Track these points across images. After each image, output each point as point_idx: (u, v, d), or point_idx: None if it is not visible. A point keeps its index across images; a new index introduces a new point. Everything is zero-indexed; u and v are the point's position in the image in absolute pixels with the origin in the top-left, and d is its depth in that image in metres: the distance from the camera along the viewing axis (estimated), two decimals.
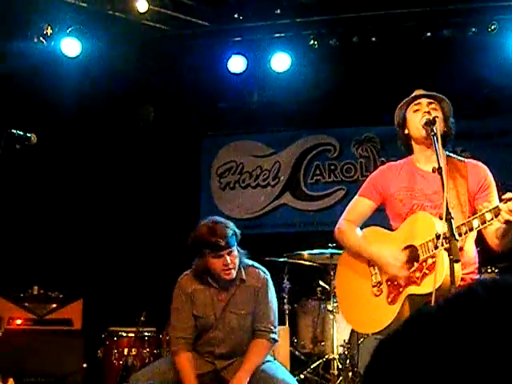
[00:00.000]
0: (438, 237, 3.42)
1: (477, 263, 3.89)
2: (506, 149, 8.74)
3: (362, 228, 4.16)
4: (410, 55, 8.19)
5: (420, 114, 3.90)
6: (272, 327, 4.70)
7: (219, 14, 8.00)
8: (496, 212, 3.34)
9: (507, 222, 3.31)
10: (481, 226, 3.44)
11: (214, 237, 4.47)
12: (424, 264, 3.60)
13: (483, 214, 3.41)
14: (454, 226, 3.30)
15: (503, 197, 3.33)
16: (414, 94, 4.04)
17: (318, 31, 7.99)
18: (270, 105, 9.31)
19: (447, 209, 3.31)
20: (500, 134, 8.92)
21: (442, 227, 3.38)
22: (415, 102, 3.99)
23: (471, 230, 3.47)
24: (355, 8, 7.77)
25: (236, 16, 7.89)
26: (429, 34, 7.80)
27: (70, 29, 7.60)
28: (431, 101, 3.97)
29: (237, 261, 4.59)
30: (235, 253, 4.58)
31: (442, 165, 3.47)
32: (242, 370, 4.47)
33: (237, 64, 8.16)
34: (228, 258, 4.51)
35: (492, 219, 3.37)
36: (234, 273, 4.58)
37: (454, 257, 3.22)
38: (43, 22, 7.60)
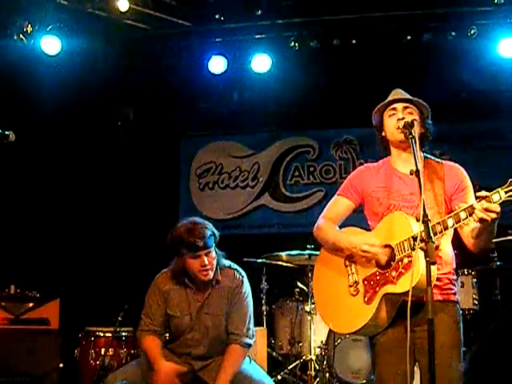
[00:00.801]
0: (414, 238, 3.44)
1: (454, 264, 3.91)
2: (484, 152, 8.82)
3: (340, 228, 4.17)
4: (390, 58, 8.22)
5: (395, 119, 3.92)
6: (245, 331, 4.68)
7: (200, 15, 7.99)
8: (470, 211, 3.39)
9: (481, 220, 3.35)
10: (455, 225, 3.48)
11: (192, 237, 4.49)
12: (400, 263, 3.61)
13: (457, 212, 3.46)
14: (431, 229, 3.33)
15: (477, 194, 3.38)
16: (390, 97, 4.04)
17: (298, 33, 8.00)
18: (249, 106, 9.31)
19: (424, 211, 3.34)
20: (478, 138, 8.99)
21: (418, 228, 3.40)
22: (391, 107, 4.01)
23: (446, 228, 3.51)
24: (336, 10, 7.79)
25: (217, 17, 7.88)
26: (409, 37, 7.84)
27: (50, 27, 7.57)
28: (407, 105, 3.98)
29: (214, 262, 4.60)
30: (213, 254, 4.59)
31: (419, 167, 3.49)
32: (218, 382, 4.47)
33: (217, 65, 8.15)
34: (205, 258, 4.52)
35: (466, 218, 3.42)
36: (211, 274, 4.58)
37: (431, 259, 3.24)
38: (23, 20, 7.55)
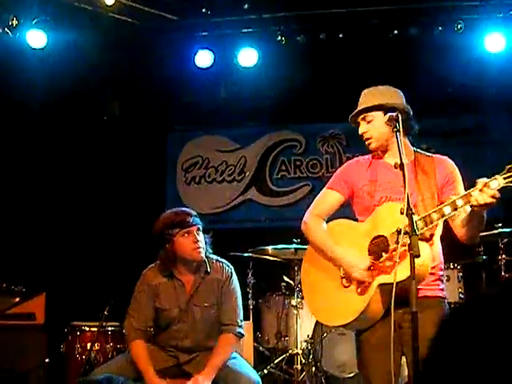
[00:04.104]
0: (399, 232, 3.43)
1: (442, 258, 3.92)
2: (469, 147, 8.84)
3: (328, 221, 4.14)
4: (377, 53, 8.22)
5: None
6: (237, 321, 4.72)
7: (187, 8, 7.97)
8: (467, 198, 3.41)
9: (480, 205, 3.37)
10: (452, 213, 3.49)
11: (180, 216, 4.66)
12: (394, 253, 3.60)
13: (454, 200, 3.47)
14: (414, 222, 3.33)
15: (477, 181, 3.38)
16: (356, 109, 4.06)
17: (285, 27, 8.00)
18: (236, 100, 9.30)
19: (408, 204, 3.34)
20: (463, 133, 9.01)
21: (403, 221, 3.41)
22: (360, 117, 4.03)
23: (443, 216, 3.52)
24: (323, 5, 7.80)
25: (204, 10, 7.86)
26: (396, 31, 7.85)
27: (35, 20, 7.52)
28: (363, 115, 3.99)
29: (204, 243, 4.67)
30: (202, 234, 4.69)
31: (404, 161, 3.50)
32: (209, 366, 4.48)
33: (204, 59, 8.13)
34: (197, 235, 4.62)
35: (463, 205, 3.44)
36: (203, 253, 4.63)
37: (414, 252, 3.24)
38: (8, 13, 7.51)
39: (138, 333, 4.67)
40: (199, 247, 4.61)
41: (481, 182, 3.37)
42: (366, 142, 4.00)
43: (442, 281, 3.89)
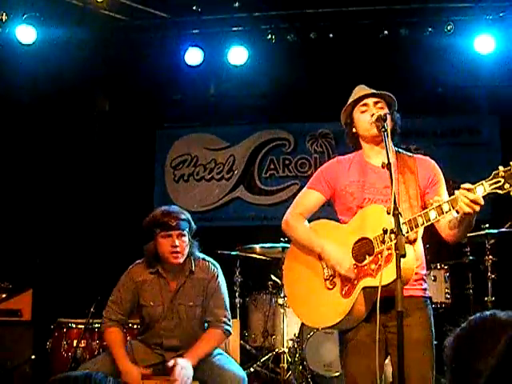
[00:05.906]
0: (385, 231, 3.41)
1: (424, 257, 3.91)
2: (459, 148, 8.86)
3: (309, 222, 4.11)
4: (367, 52, 8.23)
5: (368, 115, 3.88)
6: (226, 319, 4.73)
7: (177, 6, 7.95)
8: (453, 203, 3.38)
9: (465, 213, 3.35)
10: (438, 218, 3.46)
11: (166, 217, 4.63)
12: (379, 256, 3.58)
13: (440, 205, 3.45)
14: (401, 221, 3.31)
15: (462, 186, 3.34)
16: (359, 94, 3.99)
17: (275, 26, 8.00)
18: (226, 98, 9.30)
19: (395, 204, 3.31)
20: (453, 133, 9.03)
21: (390, 222, 3.37)
22: (362, 103, 3.97)
23: (428, 221, 3.49)
24: (314, 4, 7.80)
25: (194, 8, 7.85)
26: (386, 32, 7.85)
27: (25, 16, 7.50)
28: (377, 100, 3.96)
29: (186, 248, 4.68)
30: (185, 238, 4.67)
31: (391, 160, 3.48)
32: (191, 352, 4.51)
33: (194, 56, 8.11)
34: (177, 240, 4.60)
35: (449, 210, 3.42)
36: (181, 258, 4.64)
37: (400, 252, 3.22)
38: None
39: (115, 324, 4.72)
40: (177, 252, 4.61)
41: (467, 186, 3.35)
42: (371, 116, 3.87)
43: (424, 280, 3.87)
